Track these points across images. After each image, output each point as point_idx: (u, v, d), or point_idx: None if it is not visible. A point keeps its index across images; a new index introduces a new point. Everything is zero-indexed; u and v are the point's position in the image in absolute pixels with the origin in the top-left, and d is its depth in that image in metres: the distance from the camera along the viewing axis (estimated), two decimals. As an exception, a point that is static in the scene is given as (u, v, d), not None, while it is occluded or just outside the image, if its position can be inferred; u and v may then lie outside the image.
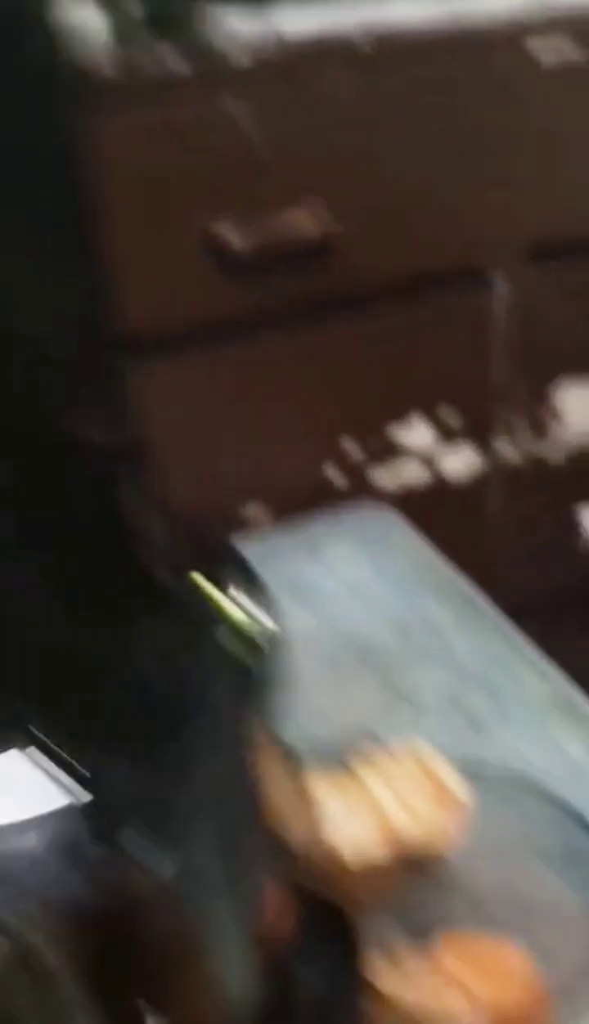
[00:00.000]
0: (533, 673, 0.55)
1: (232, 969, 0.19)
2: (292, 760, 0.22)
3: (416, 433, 0.76)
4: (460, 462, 0.78)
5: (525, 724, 0.51)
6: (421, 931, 0.36)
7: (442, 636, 0.58)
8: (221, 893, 0.18)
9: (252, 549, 0.70)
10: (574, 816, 0.32)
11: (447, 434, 0.77)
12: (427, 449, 0.77)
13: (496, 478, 0.79)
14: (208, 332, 0.66)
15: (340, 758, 0.23)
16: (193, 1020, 0.18)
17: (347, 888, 0.22)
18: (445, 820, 0.24)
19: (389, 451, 0.75)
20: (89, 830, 0.17)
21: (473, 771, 0.35)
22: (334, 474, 0.74)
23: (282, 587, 0.66)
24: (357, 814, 0.23)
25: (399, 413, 0.75)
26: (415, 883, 0.23)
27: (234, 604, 0.18)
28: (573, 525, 0.75)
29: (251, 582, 0.19)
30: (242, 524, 0.73)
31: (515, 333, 0.76)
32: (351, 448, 0.74)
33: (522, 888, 0.37)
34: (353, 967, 0.23)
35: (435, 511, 0.74)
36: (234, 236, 0.61)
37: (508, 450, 0.79)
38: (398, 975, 0.32)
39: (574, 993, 0.29)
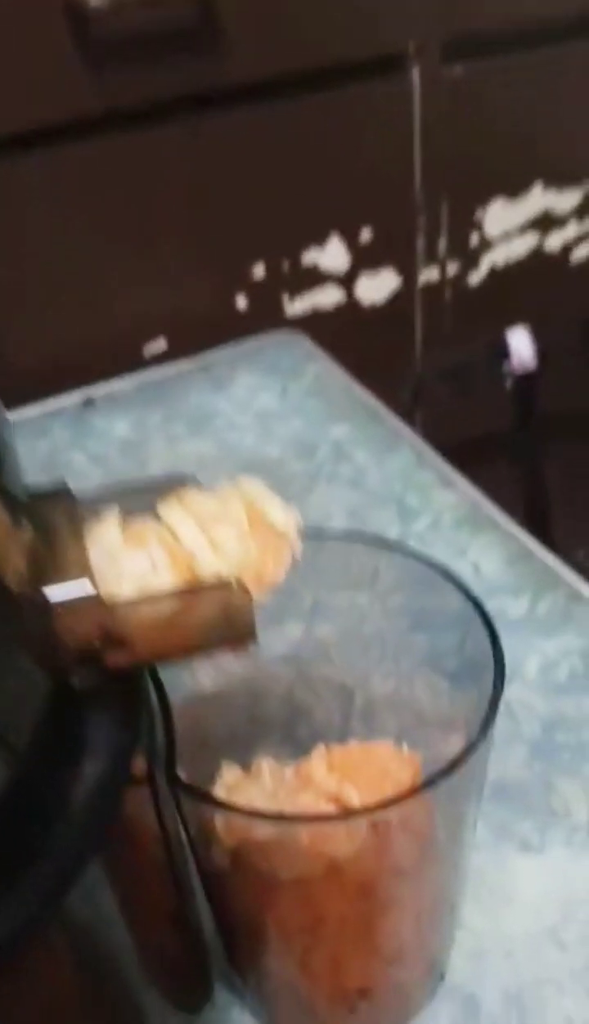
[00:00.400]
0: (448, 492, 0.51)
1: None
2: (64, 506, 0.18)
3: (332, 255, 0.70)
4: (379, 286, 0.72)
5: (435, 540, 0.47)
6: (303, 746, 0.33)
7: (353, 460, 0.54)
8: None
9: (153, 380, 0.64)
10: (472, 601, 0.28)
11: (365, 256, 0.71)
12: (344, 272, 0.71)
13: (418, 303, 0.74)
14: (87, 130, 0.58)
15: (148, 502, 0.19)
16: None
17: (138, 649, 0.17)
18: (260, 559, 0.20)
19: (303, 275, 0.69)
20: None
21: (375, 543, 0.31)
22: (243, 302, 0.68)
23: (184, 418, 0.61)
24: (152, 558, 0.18)
25: (313, 233, 0.69)
26: (219, 636, 0.18)
27: None
28: (499, 350, 0.70)
29: None
30: (146, 360, 0.67)
31: (437, 142, 0.69)
32: (261, 273, 0.68)
33: (416, 697, 0.34)
34: (156, 750, 0.19)
35: (352, 338, 0.69)
36: (100, 8, 0.53)
37: (431, 273, 0.74)
38: (250, 786, 0.28)
39: (463, 799, 0.26)
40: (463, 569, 0.46)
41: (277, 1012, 0.29)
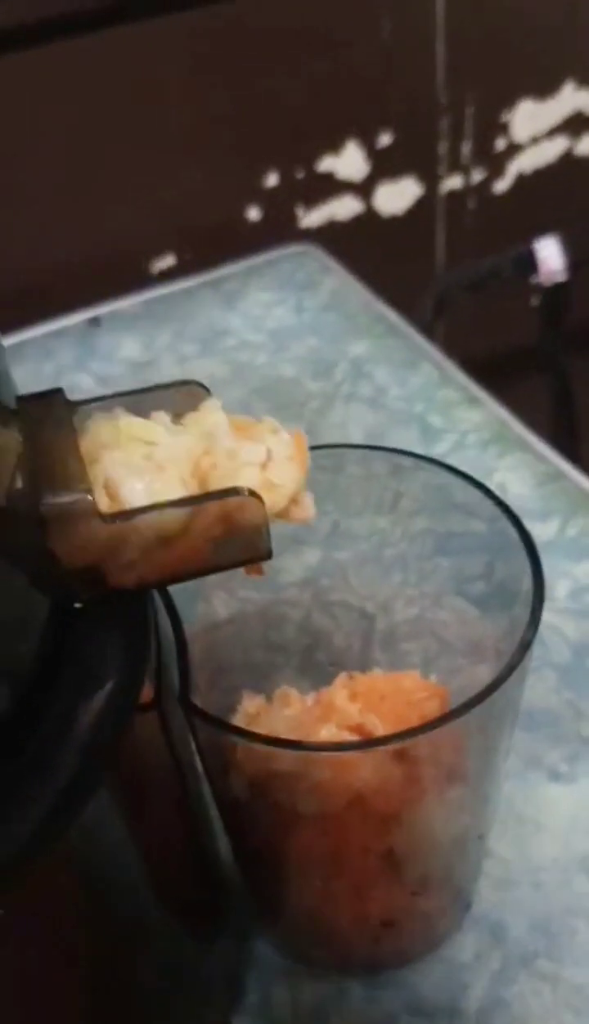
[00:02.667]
0: (473, 411, 0.48)
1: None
2: (57, 412, 0.16)
3: (349, 162, 0.66)
4: (399, 195, 0.68)
5: (460, 462, 0.45)
6: (322, 674, 0.31)
7: (372, 378, 0.51)
8: None
9: (161, 297, 0.61)
10: (506, 511, 0.26)
11: (384, 162, 0.67)
12: (361, 180, 0.67)
13: (440, 212, 0.70)
14: (86, 24, 0.54)
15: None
16: None
17: (144, 567, 0.16)
18: (293, 473, 0.18)
19: (318, 184, 0.66)
20: None
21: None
22: (255, 213, 0.65)
23: (194, 337, 0.58)
24: (269, 446, 0.16)
25: (329, 138, 0.65)
26: (231, 553, 0.17)
27: None
28: (527, 262, 0.67)
29: None
30: (154, 277, 0.64)
31: (461, 37, 0.65)
32: (274, 181, 0.64)
33: (441, 624, 0.32)
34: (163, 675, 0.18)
35: (371, 250, 0.65)
36: None
37: (454, 180, 0.70)
38: (272, 716, 0.27)
39: (495, 730, 0.24)
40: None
41: (298, 943, 0.29)
